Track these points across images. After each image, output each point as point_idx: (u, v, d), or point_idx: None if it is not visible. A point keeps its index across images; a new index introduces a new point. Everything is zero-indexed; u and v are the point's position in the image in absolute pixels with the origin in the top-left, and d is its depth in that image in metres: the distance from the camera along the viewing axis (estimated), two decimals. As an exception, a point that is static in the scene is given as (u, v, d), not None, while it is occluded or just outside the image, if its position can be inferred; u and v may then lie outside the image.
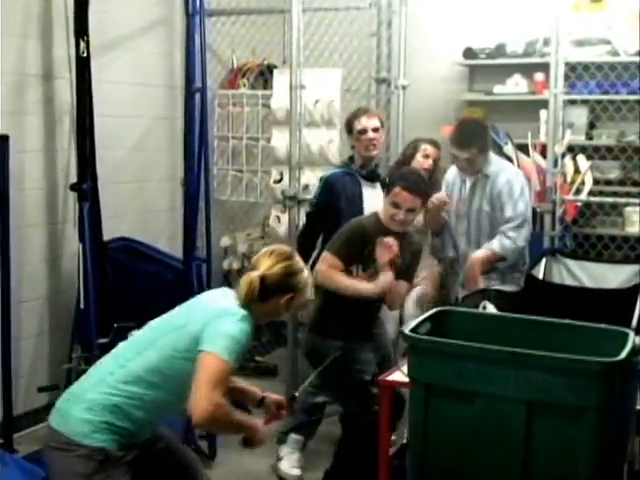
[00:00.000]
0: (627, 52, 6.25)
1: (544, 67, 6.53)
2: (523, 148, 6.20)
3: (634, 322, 4.62)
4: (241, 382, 3.30)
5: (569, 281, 5.27)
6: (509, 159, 5.88)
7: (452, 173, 4.95)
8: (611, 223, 6.33)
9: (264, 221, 6.23)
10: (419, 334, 3.05)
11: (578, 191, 5.93)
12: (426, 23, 6.40)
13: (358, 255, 4.11)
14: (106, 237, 5.13)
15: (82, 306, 4.75)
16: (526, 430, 2.85)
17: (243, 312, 2.92)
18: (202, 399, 2.74)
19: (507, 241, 4.64)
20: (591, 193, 5.91)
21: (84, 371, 4.64)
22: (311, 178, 5.53)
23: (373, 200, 4.65)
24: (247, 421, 3.05)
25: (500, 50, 6.72)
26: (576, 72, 5.95)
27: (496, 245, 4.64)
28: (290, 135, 5.32)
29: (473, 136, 4.72)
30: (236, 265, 6.16)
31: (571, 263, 5.32)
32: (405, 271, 4.22)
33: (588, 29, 6.27)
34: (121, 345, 3.08)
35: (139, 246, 5.38)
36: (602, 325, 3.22)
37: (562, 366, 2.80)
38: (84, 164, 4.85)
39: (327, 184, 4.81)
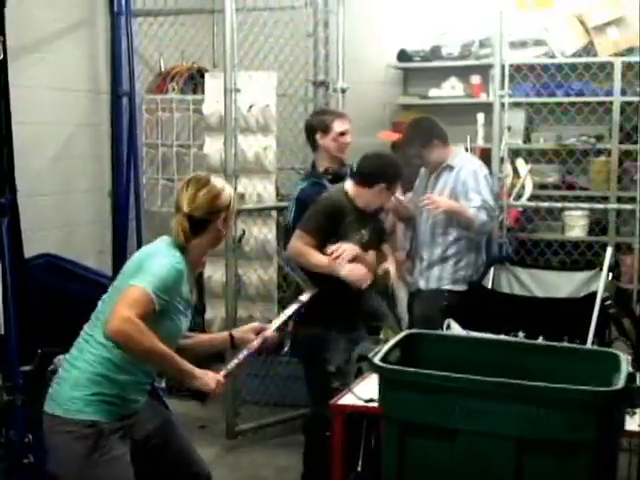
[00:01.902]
0: (564, 54, 5.98)
1: (480, 69, 6.27)
2: (462, 153, 5.88)
3: (590, 335, 4.32)
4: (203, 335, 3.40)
5: (518, 290, 4.98)
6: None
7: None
8: (550, 228, 6.06)
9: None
10: (389, 363, 2.63)
11: (519, 196, 5.65)
12: (360, 25, 5.99)
13: (334, 232, 4.08)
14: (27, 254, 4.57)
15: (2, 332, 4.20)
16: (516, 470, 2.46)
17: (172, 252, 2.93)
18: (114, 316, 2.76)
19: (482, 215, 4.57)
20: (531, 197, 5.63)
21: (7, 402, 4.18)
22: (248, 187, 5.10)
23: None
24: (183, 363, 2.93)
25: (435, 53, 6.40)
26: (517, 74, 5.63)
27: (472, 211, 4.57)
28: (225, 142, 4.86)
29: (413, 135, 4.79)
30: (168, 279, 5.63)
31: (520, 271, 5.01)
32: (367, 244, 4.22)
33: (524, 31, 5.97)
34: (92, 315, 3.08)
35: (64, 263, 4.80)
36: (586, 347, 2.86)
37: (556, 397, 2.41)
38: (1, 176, 4.29)
39: (301, 204, 4.48)
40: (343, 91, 5.23)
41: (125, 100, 4.58)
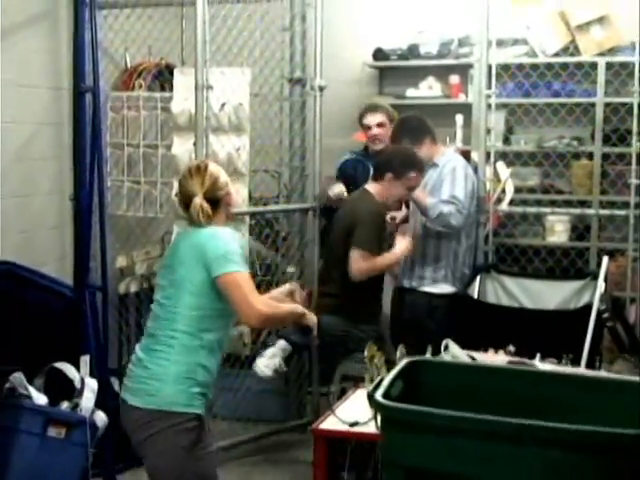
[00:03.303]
0: (545, 53, 5.64)
1: (459, 69, 5.93)
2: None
3: (585, 350, 3.97)
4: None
5: (505, 300, 4.64)
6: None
7: None
8: (533, 233, 5.69)
9: (165, 238, 5.26)
10: (391, 398, 2.23)
11: (499, 200, 5.29)
12: (336, 20, 5.56)
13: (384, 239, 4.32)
14: (-16, 261, 4.13)
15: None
16: (540, 524, 2.08)
17: (216, 228, 3.10)
18: (248, 308, 2.98)
19: (443, 207, 4.43)
20: (512, 202, 5.27)
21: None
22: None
23: None
24: (292, 307, 3.30)
25: (413, 51, 6.02)
26: (502, 73, 5.29)
27: (430, 201, 4.46)
28: (196, 142, 4.43)
29: (402, 132, 4.66)
30: (134, 288, 5.18)
31: (507, 280, 4.67)
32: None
33: (505, 29, 5.60)
34: (149, 324, 3.12)
35: (22, 271, 4.35)
36: (609, 377, 2.50)
37: (588, 441, 2.03)
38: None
39: (339, 173, 5.07)
40: (321, 89, 4.83)
41: (89, 97, 4.14)
